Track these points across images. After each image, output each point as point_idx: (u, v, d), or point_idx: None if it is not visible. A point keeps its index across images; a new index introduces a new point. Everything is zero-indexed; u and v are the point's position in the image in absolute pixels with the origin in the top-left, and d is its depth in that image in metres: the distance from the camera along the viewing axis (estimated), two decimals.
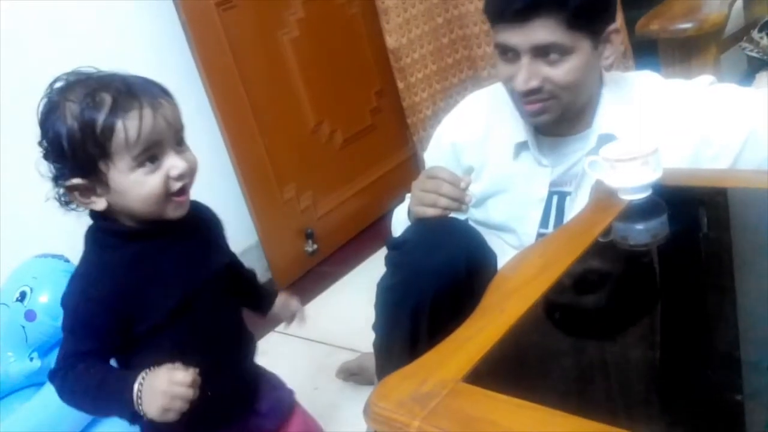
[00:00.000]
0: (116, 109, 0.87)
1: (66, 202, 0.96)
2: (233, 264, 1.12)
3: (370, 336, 1.28)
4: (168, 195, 0.93)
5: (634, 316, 0.86)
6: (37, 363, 1.52)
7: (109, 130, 0.87)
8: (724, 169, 1.14)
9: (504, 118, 1.29)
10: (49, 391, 1.47)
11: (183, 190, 0.94)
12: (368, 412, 0.71)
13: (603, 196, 1.07)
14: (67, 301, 0.95)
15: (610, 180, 1.04)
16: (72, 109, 0.88)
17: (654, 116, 1.18)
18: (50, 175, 0.94)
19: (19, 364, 1.53)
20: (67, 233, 1.71)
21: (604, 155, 1.04)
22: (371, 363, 1.58)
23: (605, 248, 0.96)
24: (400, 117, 2.61)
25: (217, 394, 1.00)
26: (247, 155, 2.22)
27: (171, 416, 0.90)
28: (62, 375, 0.94)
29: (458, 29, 2.54)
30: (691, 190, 1.08)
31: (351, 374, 1.68)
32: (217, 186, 2.03)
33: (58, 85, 0.91)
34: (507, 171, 1.29)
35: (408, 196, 1.36)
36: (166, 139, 0.91)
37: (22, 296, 1.52)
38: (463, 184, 1.15)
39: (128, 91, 0.89)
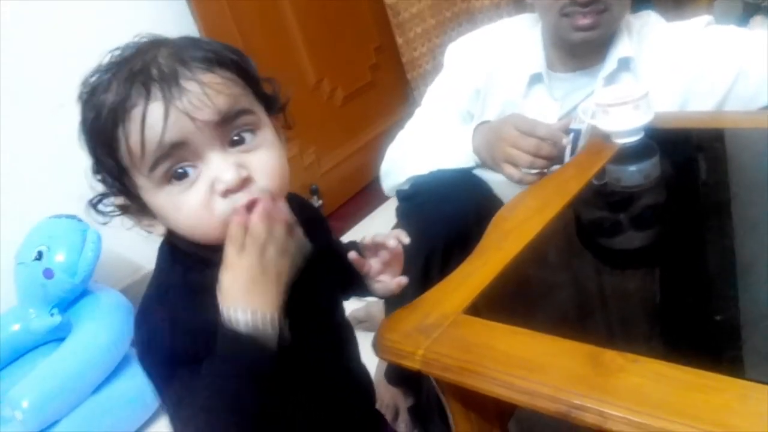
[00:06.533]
0: (117, 105, 0.62)
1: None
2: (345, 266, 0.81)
3: None
4: (226, 219, 0.63)
5: (631, 252, 0.91)
6: (57, 318, 1.59)
7: (114, 136, 0.62)
8: (712, 111, 1.18)
9: (519, 50, 1.31)
10: (69, 345, 1.54)
11: (252, 205, 0.63)
12: (377, 344, 0.76)
13: (597, 140, 1.10)
14: (152, 340, 0.67)
15: (602, 124, 1.08)
16: (89, 103, 0.65)
17: (652, 54, 1.22)
18: (96, 193, 0.69)
19: (40, 320, 1.60)
20: (79, 194, 1.78)
21: (597, 100, 1.08)
22: (378, 310, 1.64)
23: (599, 189, 1.00)
24: (399, 73, 2.63)
25: None
26: None
27: (284, 269, 0.64)
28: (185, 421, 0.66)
29: None
30: (683, 131, 1.12)
31: (359, 321, 1.73)
32: None
33: (101, 63, 0.66)
34: (517, 103, 1.30)
35: (400, 136, 1.38)
36: (200, 140, 0.62)
37: (40, 255, 1.58)
38: (564, 141, 1.08)
39: (138, 75, 0.62)
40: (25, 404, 1.41)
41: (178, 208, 0.64)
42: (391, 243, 0.80)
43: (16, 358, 1.64)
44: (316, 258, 0.73)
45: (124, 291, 1.73)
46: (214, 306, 0.64)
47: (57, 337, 1.61)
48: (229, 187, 0.63)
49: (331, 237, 0.85)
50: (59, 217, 1.64)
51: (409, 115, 1.43)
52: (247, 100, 0.67)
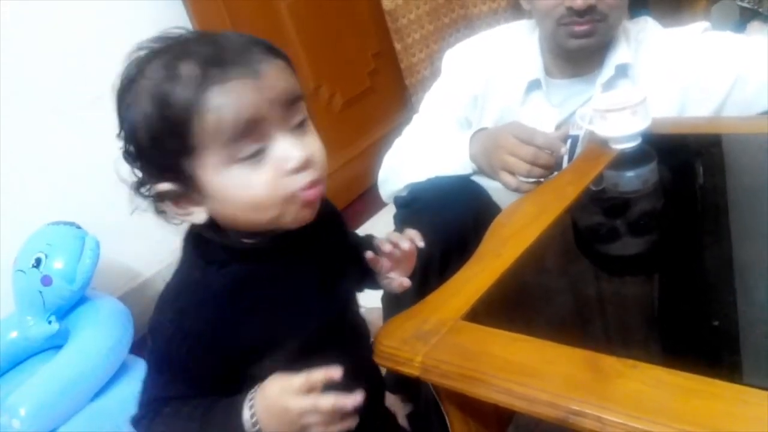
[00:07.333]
0: (200, 84, 0.63)
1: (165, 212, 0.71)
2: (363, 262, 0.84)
3: (375, 292, 1.32)
4: (288, 195, 0.67)
5: (629, 257, 0.91)
6: (55, 326, 1.58)
7: (188, 114, 0.63)
8: (709, 116, 1.18)
9: (517, 56, 1.31)
10: (67, 352, 1.54)
11: (313, 184, 0.69)
12: (375, 350, 0.76)
13: (595, 145, 1.11)
14: (157, 331, 0.71)
15: (600, 130, 1.08)
16: (147, 89, 0.65)
17: (649, 61, 1.22)
18: (133, 180, 0.70)
19: (38, 327, 1.58)
20: (77, 200, 1.78)
21: (595, 106, 1.08)
22: (375, 317, 1.63)
23: (597, 195, 1.00)
24: (398, 78, 2.63)
25: None
26: None
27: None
28: (147, 423, 0.71)
29: None
30: (681, 137, 1.12)
31: None
32: None
33: (139, 54, 0.68)
34: (514, 109, 1.30)
35: (397, 143, 1.37)
36: (271, 119, 0.66)
37: (38, 262, 1.57)
38: (563, 150, 1.09)
39: (215, 58, 0.64)
40: (22, 412, 1.40)
41: (246, 186, 0.66)
42: (405, 245, 0.82)
43: (14, 366, 1.63)
44: (335, 254, 0.79)
45: (123, 298, 1.73)
46: (220, 318, 0.69)
47: (55, 344, 1.60)
48: (298, 165, 0.67)
49: (347, 231, 0.86)
50: (57, 224, 1.64)
51: (408, 120, 1.43)
52: (300, 89, 0.70)
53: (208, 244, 0.71)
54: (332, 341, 0.76)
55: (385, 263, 0.84)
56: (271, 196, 0.67)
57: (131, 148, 0.68)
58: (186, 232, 0.74)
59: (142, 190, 0.70)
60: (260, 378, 0.69)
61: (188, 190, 0.68)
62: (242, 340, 0.70)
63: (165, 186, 0.67)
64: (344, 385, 0.74)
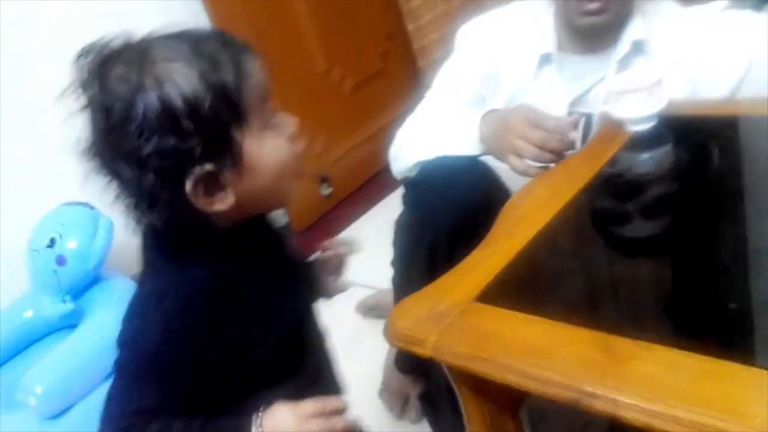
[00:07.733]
0: (236, 54, 0.68)
1: (160, 217, 0.69)
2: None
3: (387, 273, 1.33)
4: (296, 162, 0.75)
5: (643, 240, 0.90)
6: (70, 305, 1.60)
7: (238, 80, 0.67)
8: (726, 97, 1.17)
9: (531, 32, 1.30)
10: (82, 331, 1.55)
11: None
12: (388, 331, 0.76)
13: (609, 126, 1.09)
14: (139, 339, 0.71)
15: (615, 111, 1.06)
16: (182, 71, 0.65)
17: (666, 38, 1.20)
18: (138, 182, 0.68)
19: (53, 307, 1.61)
20: (91, 181, 1.78)
21: (610, 87, 1.07)
22: (388, 298, 1.64)
23: (611, 177, 1.00)
24: (409, 60, 2.62)
25: None
26: None
27: None
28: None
29: None
30: (697, 118, 1.11)
31: (369, 309, 1.74)
32: None
33: (103, 55, 0.69)
34: (525, 86, 1.28)
35: (410, 119, 1.37)
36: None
37: (52, 242, 1.59)
38: (572, 135, 1.08)
39: (223, 39, 0.70)
40: (38, 390, 1.42)
41: (278, 150, 0.72)
42: (328, 253, 0.92)
43: (30, 345, 1.65)
44: (286, 259, 0.83)
45: (136, 277, 1.74)
46: (209, 314, 0.70)
47: (69, 323, 1.63)
48: (297, 129, 0.74)
49: (289, 251, 0.87)
50: (71, 204, 1.65)
51: (420, 102, 1.42)
52: None
53: (178, 245, 0.72)
54: (302, 340, 0.82)
55: (336, 264, 0.92)
56: (290, 160, 0.73)
57: (167, 137, 0.65)
58: (144, 241, 0.74)
59: (168, 184, 0.67)
60: (245, 378, 0.73)
61: (226, 167, 0.68)
62: (231, 336, 0.71)
63: (209, 167, 0.67)
64: (310, 384, 0.80)
